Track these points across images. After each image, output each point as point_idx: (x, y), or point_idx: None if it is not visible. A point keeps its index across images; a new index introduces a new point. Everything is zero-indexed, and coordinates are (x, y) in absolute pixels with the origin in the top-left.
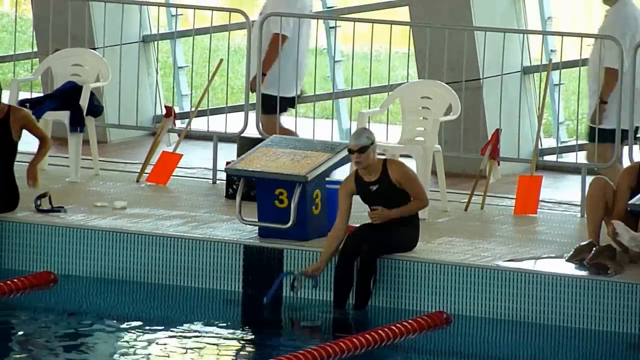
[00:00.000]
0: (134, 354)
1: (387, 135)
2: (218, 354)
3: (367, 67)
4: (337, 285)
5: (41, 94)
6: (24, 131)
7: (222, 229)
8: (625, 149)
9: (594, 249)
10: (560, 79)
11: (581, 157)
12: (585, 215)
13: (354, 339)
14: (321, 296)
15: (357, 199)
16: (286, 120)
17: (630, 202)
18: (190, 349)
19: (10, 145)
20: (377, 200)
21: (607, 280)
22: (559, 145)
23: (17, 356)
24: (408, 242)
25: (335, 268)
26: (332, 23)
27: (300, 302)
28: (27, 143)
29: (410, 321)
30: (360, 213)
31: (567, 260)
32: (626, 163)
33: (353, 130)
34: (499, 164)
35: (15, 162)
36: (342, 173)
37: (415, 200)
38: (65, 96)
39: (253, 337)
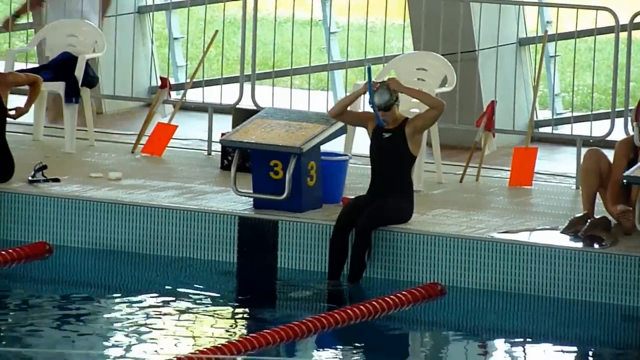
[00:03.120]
0: (128, 325)
1: None
2: (212, 325)
3: (363, 39)
4: (331, 257)
5: (36, 65)
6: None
7: (217, 200)
8: (620, 120)
9: (589, 220)
10: (556, 51)
11: (577, 129)
12: (580, 188)
13: (349, 311)
14: (316, 267)
15: (352, 169)
16: None
17: (625, 173)
18: (185, 320)
19: (0, 112)
20: (385, 147)
21: (601, 252)
22: (555, 117)
23: (12, 327)
24: (403, 213)
25: (330, 239)
26: None
27: (295, 274)
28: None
29: (404, 292)
30: (355, 185)
31: (561, 232)
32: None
33: None
34: (494, 136)
35: (9, 133)
36: (337, 145)
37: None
38: (61, 67)
39: (247, 308)
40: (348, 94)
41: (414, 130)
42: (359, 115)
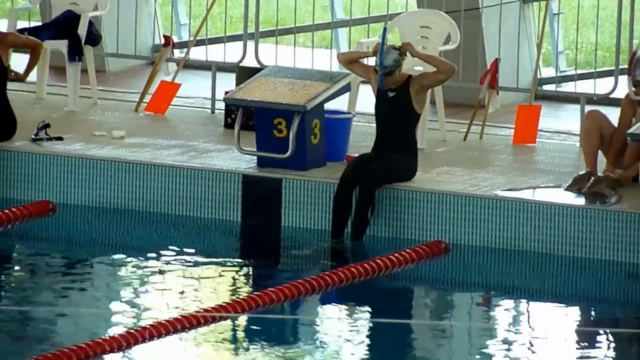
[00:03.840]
0: (132, 283)
1: None
2: (216, 284)
3: None
4: (335, 215)
5: (39, 23)
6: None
7: (220, 158)
8: (624, 78)
9: (592, 178)
10: (560, 8)
11: (580, 87)
12: (582, 148)
13: (353, 269)
14: (320, 226)
15: (356, 127)
16: None
17: (629, 131)
18: (188, 278)
19: (1, 71)
20: (390, 105)
21: (605, 210)
22: (558, 74)
23: (15, 285)
24: (407, 171)
25: (333, 197)
26: None
27: (299, 232)
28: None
29: (408, 250)
30: (359, 143)
31: (565, 190)
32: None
33: None
34: (498, 94)
35: (12, 91)
36: (341, 103)
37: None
38: (64, 25)
39: (251, 266)
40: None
41: (419, 89)
42: (366, 68)
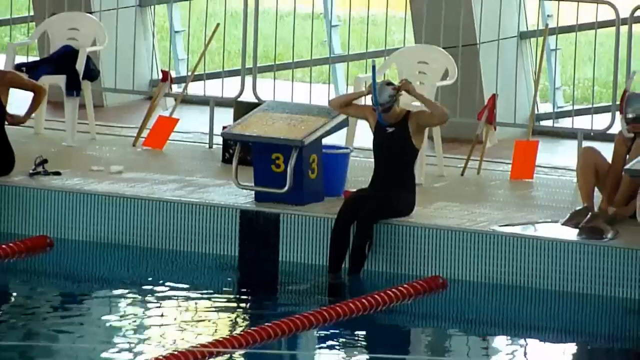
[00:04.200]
0: (130, 318)
1: None
2: (213, 319)
3: (364, 32)
4: (332, 250)
5: (37, 58)
6: (11, 96)
7: (218, 193)
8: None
9: (590, 213)
10: (557, 44)
11: (577, 122)
12: (578, 185)
13: (351, 304)
14: (317, 261)
15: (353, 163)
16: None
17: (626, 167)
18: (185, 313)
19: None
20: (389, 141)
21: (602, 245)
22: (556, 110)
23: (12, 321)
24: (405, 207)
25: (331, 232)
26: None
27: (296, 267)
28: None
29: (406, 286)
30: (357, 178)
31: (562, 225)
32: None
33: None
34: (495, 129)
35: (8, 126)
36: (338, 138)
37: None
38: (62, 60)
39: (249, 301)
40: (351, 89)
41: (417, 126)
42: (360, 108)
